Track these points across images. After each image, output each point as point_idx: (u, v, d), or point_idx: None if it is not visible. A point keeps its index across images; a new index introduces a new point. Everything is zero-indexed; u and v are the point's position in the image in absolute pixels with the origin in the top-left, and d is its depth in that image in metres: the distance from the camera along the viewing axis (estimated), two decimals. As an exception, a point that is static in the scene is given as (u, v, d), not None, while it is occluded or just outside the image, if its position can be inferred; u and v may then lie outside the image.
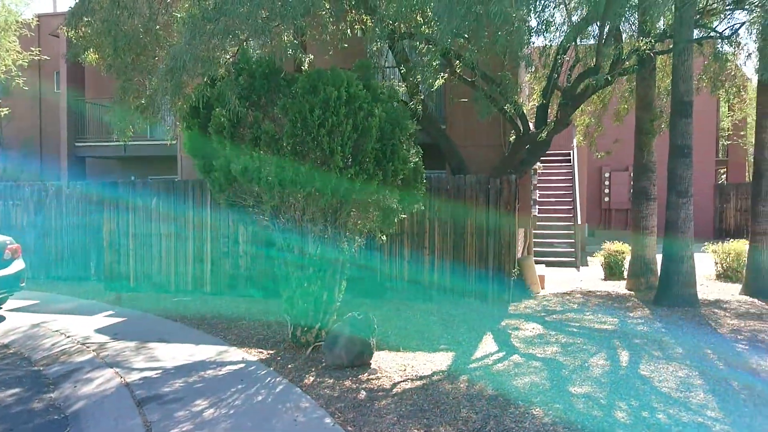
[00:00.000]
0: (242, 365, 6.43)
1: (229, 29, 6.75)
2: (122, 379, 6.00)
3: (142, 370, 6.31)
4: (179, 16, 7.60)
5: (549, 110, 10.47)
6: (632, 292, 11.00)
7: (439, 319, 8.56)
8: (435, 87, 9.12)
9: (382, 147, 6.48)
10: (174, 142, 12.44)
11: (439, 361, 6.58)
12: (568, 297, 10.57)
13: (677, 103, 9.54)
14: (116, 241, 11.13)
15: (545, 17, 7.89)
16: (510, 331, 7.90)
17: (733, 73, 11.57)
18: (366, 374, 6.06)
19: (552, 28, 8.26)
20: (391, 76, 11.48)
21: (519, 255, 12.02)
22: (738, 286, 11.32)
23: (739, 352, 6.82)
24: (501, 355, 6.83)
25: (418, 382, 5.84)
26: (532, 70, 9.74)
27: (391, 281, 10.09)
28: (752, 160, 28.78)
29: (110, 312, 9.31)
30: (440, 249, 9.93)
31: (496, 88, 9.07)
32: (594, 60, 8.98)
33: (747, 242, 12.67)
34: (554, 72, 9.92)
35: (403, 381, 5.89)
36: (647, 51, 9.22)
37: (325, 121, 6.08)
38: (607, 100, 12.45)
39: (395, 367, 6.33)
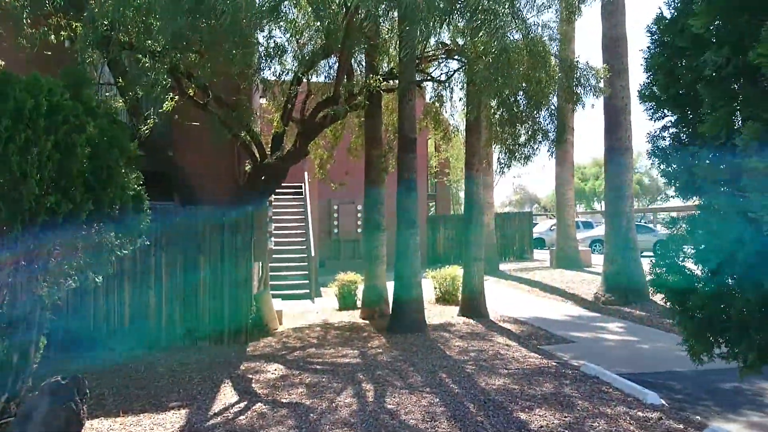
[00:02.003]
0: None
1: None
2: None
3: None
4: None
5: (285, 139, 10.22)
6: (367, 321, 11.23)
7: (169, 371, 7.47)
8: (164, 109, 8.14)
9: (95, 170, 5.36)
10: None
11: (171, 422, 5.60)
12: (307, 331, 10.30)
13: (403, 140, 10.13)
14: None
15: (282, 42, 7.61)
16: (251, 376, 7.23)
17: (445, 116, 12.87)
18: (74, 455, 4.80)
19: (288, 56, 8.03)
20: (107, 93, 10.04)
21: (255, 290, 11.45)
22: (455, 308, 12.41)
23: (469, 373, 7.23)
24: (243, 405, 6.12)
25: (145, 455, 4.82)
26: (269, 96, 9.37)
27: (109, 330, 8.61)
28: (456, 195, 32.60)
29: None
30: (169, 289, 8.85)
31: (231, 112, 8.47)
32: (332, 91, 9.01)
33: (459, 267, 14.13)
34: (289, 102, 9.71)
35: (125, 456, 4.80)
36: (377, 88, 9.61)
37: (16, 136, 4.78)
38: (340, 134, 12.78)
39: (114, 439, 5.18)
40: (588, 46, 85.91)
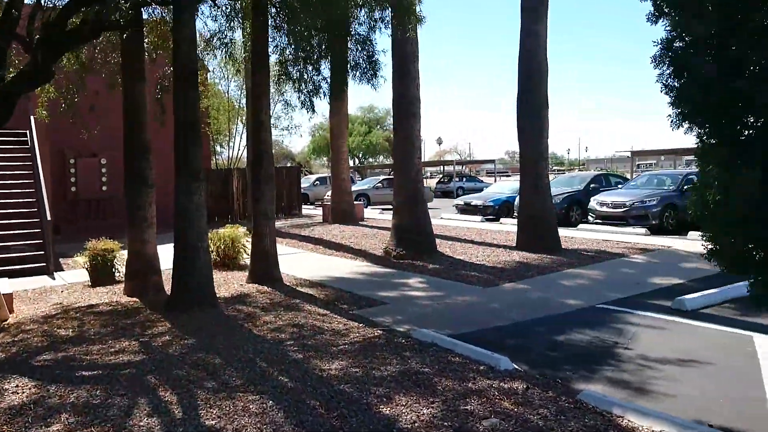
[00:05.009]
0: None
1: None
2: None
3: None
4: None
5: (7, 60, 7.31)
6: (136, 299, 9.02)
7: None
8: None
9: None
10: None
11: None
12: (57, 320, 7.77)
13: (182, 70, 8.04)
14: None
15: None
16: (-22, 402, 4.86)
17: (232, 49, 10.78)
18: None
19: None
20: None
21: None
22: (239, 274, 10.87)
23: (295, 358, 5.84)
24: (-30, 458, 3.92)
25: None
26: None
27: None
28: (214, 149, 29.96)
29: None
30: None
31: None
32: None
33: (239, 227, 12.46)
34: (14, 7, 6.86)
35: None
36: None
37: None
38: (86, 61, 9.87)
39: None
40: None
